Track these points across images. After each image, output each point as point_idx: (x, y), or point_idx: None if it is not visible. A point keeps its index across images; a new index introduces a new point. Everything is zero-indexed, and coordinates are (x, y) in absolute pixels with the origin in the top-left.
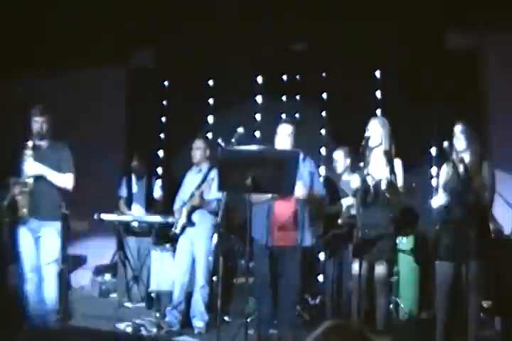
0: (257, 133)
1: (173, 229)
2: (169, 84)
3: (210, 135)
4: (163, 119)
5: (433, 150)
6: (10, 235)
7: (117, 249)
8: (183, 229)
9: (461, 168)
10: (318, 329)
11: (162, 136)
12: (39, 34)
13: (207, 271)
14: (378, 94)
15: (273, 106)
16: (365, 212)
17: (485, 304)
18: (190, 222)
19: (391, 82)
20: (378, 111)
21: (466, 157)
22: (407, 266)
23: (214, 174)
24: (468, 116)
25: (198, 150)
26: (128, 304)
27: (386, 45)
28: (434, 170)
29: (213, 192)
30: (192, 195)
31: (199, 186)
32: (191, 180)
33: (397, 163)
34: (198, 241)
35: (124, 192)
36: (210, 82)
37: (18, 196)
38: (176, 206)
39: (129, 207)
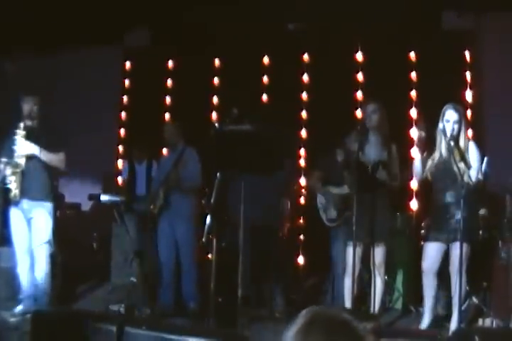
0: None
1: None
2: (173, 63)
3: (214, 115)
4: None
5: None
6: (1, 216)
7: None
8: (161, 210)
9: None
10: (298, 319)
11: (167, 115)
12: (32, 13)
13: (191, 251)
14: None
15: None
16: (362, 194)
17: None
18: (168, 204)
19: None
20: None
21: (459, 140)
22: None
23: (189, 153)
24: (461, 98)
25: (171, 133)
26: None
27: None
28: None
29: (189, 171)
30: (168, 175)
31: (175, 165)
32: (166, 161)
33: (393, 147)
34: (178, 222)
35: (125, 175)
36: (216, 61)
37: (9, 177)
38: (153, 187)
39: (133, 190)
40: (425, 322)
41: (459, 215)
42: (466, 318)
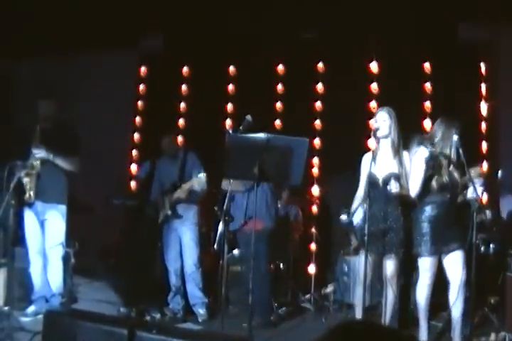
0: (277, 122)
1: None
2: (188, 69)
3: (228, 122)
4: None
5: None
6: (16, 218)
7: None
8: (166, 218)
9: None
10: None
11: (181, 121)
12: (48, 18)
13: (195, 256)
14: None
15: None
16: (374, 205)
17: (492, 300)
18: (176, 214)
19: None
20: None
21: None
22: None
23: (191, 158)
24: (476, 110)
25: (169, 145)
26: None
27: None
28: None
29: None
30: (176, 187)
31: (183, 178)
32: (168, 168)
33: (405, 155)
34: (184, 227)
35: (143, 174)
36: (231, 69)
37: (24, 179)
38: (156, 194)
39: (149, 191)
40: (424, 334)
41: (454, 227)
42: (474, 332)
